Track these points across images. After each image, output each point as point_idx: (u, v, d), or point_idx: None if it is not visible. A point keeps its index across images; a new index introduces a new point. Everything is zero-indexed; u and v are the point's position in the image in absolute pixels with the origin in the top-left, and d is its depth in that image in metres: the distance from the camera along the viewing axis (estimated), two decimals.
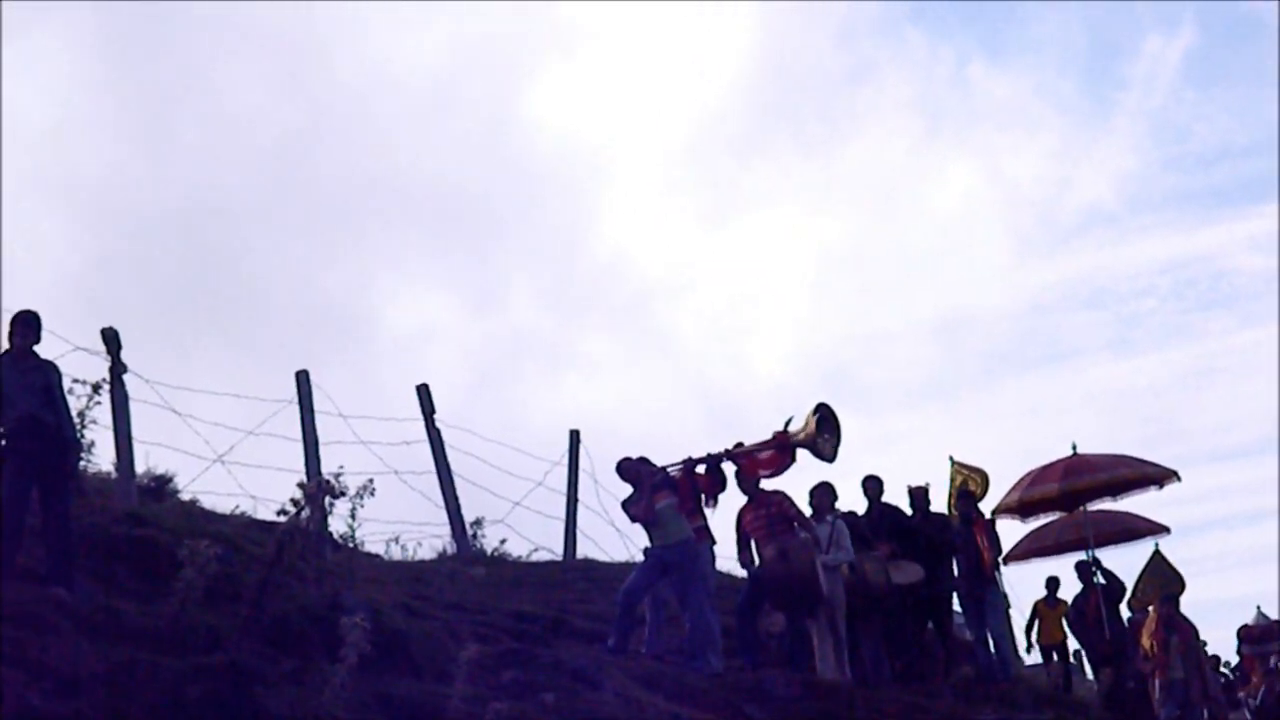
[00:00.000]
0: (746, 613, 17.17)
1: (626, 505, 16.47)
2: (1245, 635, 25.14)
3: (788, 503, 17.20)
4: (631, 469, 16.48)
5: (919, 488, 19.74)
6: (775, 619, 17.94)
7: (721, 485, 17.05)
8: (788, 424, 17.02)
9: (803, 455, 17.09)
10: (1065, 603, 23.50)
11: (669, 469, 16.64)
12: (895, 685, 17.80)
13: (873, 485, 19.33)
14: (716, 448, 16.98)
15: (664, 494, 16.27)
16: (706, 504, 16.88)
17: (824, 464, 16.97)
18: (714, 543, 16.76)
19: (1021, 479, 24.11)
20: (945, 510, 20.42)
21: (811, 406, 16.91)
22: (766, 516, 16.96)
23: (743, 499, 17.17)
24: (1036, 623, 23.83)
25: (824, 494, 18.01)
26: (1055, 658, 23.46)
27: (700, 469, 16.88)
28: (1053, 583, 23.83)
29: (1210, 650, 25.34)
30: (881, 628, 18.26)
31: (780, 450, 17.00)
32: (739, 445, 17.07)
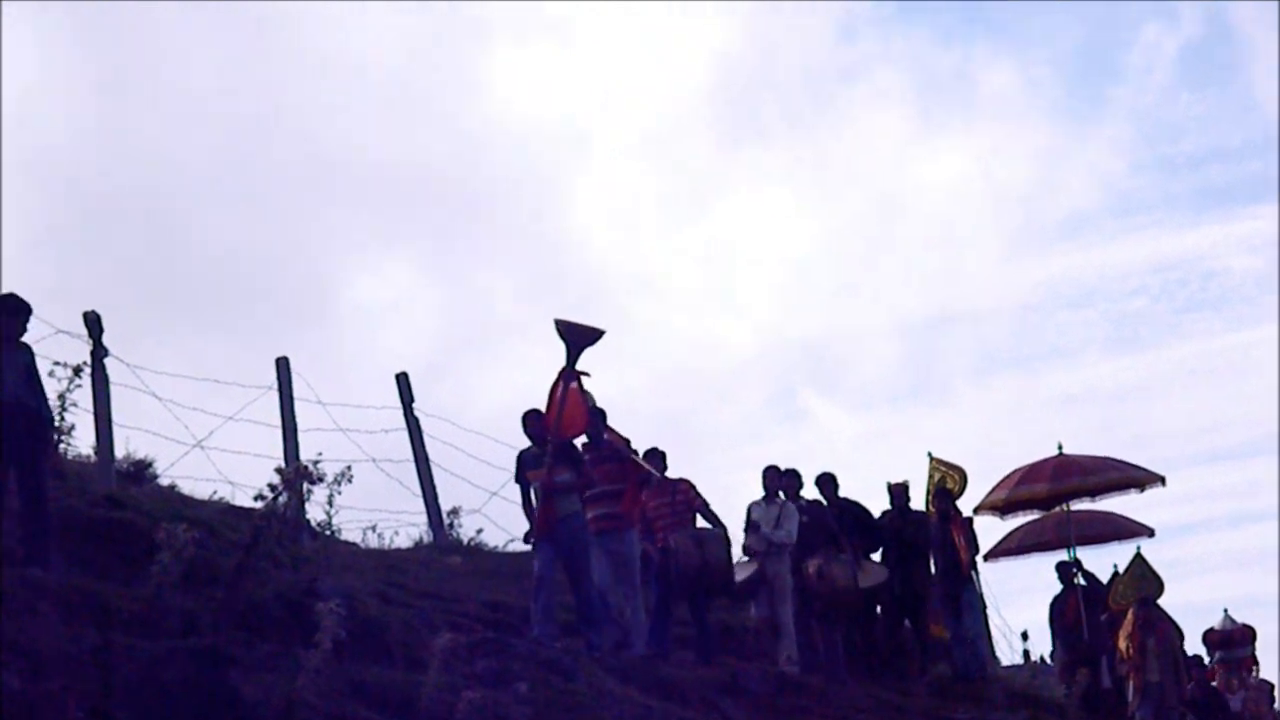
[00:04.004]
0: (661, 604, 16.66)
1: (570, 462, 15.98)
2: (1208, 640, 25.21)
3: (693, 491, 17.08)
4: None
5: (898, 484, 19.77)
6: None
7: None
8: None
9: None
10: None
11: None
12: (870, 682, 17.86)
13: (827, 484, 19.25)
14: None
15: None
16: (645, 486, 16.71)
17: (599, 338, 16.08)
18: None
19: (1008, 477, 24.15)
20: (923, 508, 20.44)
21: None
22: (671, 505, 16.86)
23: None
24: None
25: (775, 476, 17.99)
26: None
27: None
28: None
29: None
30: (844, 630, 18.26)
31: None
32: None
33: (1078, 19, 69.61)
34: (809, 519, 17.99)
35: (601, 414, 16.60)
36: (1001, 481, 24.20)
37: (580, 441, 16.35)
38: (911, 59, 71.96)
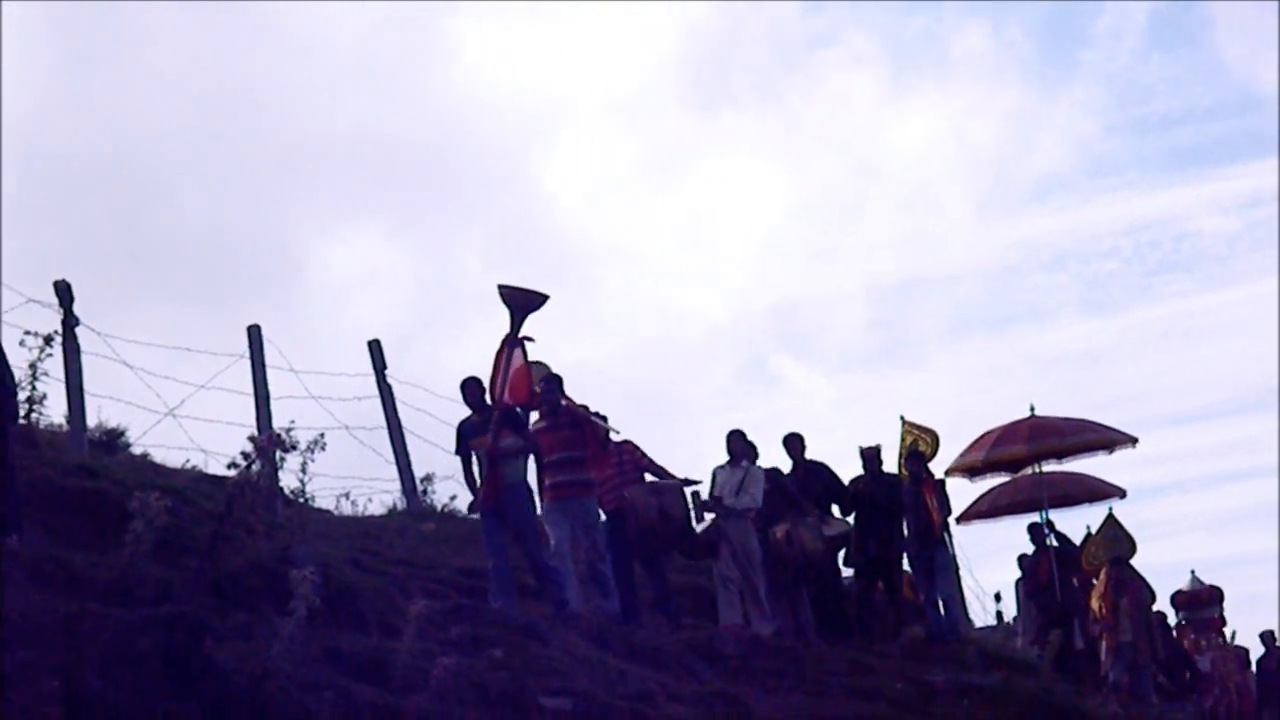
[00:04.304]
0: (622, 561, 16.68)
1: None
2: (1175, 601, 25.41)
3: (638, 451, 17.08)
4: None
5: (870, 448, 19.79)
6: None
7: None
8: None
9: None
10: None
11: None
12: (841, 644, 17.92)
13: (795, 443, 19.29)
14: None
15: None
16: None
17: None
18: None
19: (981, 439, 24.28)
20: (896, 471, 20.49)
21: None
22: (619, 468, 16.83)
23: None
24: None
25: (739, 440, 17.98)
26: None
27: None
28: None
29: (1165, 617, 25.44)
30: (813, 591, 18.31)
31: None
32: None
33: None
34: (769, 486, 17.98)
35: (558, 380, 16.49)
36: (975, 443, 24.31)
37: (541, 409, 16.31)
38: (882, 21, 72.01)
